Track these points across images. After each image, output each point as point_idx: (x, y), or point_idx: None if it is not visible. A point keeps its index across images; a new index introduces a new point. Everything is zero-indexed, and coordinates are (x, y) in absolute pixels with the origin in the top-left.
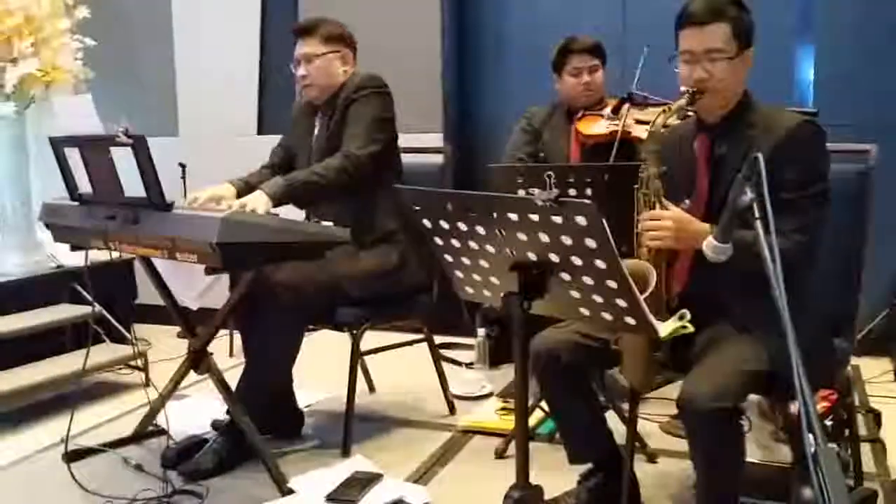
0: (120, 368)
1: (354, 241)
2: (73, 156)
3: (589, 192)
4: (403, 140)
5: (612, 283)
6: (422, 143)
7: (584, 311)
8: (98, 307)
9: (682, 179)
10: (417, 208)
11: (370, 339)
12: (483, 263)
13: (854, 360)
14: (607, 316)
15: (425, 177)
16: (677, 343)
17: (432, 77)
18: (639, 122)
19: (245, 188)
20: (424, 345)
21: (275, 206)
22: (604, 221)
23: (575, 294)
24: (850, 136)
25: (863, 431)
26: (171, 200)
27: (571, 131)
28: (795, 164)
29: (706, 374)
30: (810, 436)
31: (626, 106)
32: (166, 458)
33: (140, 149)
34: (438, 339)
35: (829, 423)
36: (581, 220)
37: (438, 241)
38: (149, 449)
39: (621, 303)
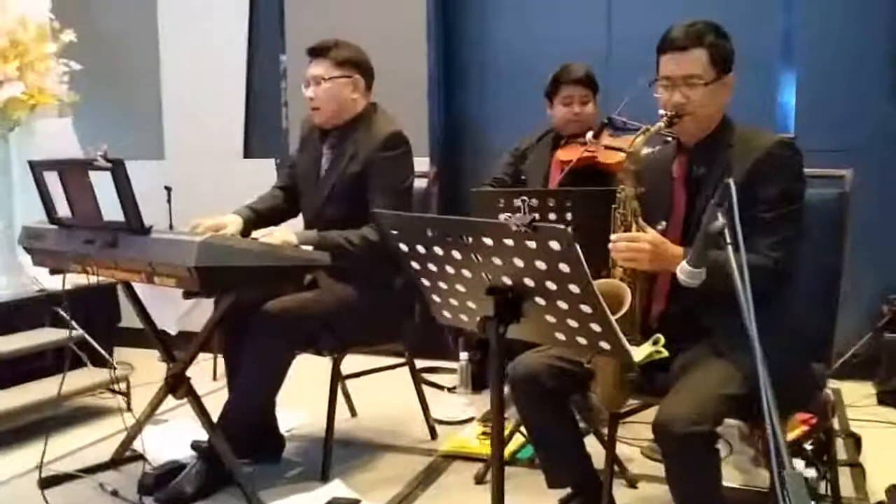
0: (101, 392)
1: (343, 272)
2: (53, 179)
3: (569, 215)
4: None
5: (586, 308)
6: None
7: (560, 336)
8: (79, 330)
9: (659, 201)
10: (394, 232)
11: (352, 362)
12: (459, 288)
13: (836, 384)
14: (582, 340)
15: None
16: (655, 366)
17: (418, 100)
18: (608, 147)
19: (253, 217)
20: (407, 369)
21: None
22: (577, 246)
23: (550, 319)
24: (829, 161)
25: (843, 456)
26: (149, 224)
27: (553, 157)
28: (772, 182)
29: (683, 397)
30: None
31: (606, 132)
32: (144, 484)
33: (118, 173)
34: (422, 364)
35: (808, 446)
36: (555, 244)
37: (415, 265)
38: (126, 475)
39: (596, 327)
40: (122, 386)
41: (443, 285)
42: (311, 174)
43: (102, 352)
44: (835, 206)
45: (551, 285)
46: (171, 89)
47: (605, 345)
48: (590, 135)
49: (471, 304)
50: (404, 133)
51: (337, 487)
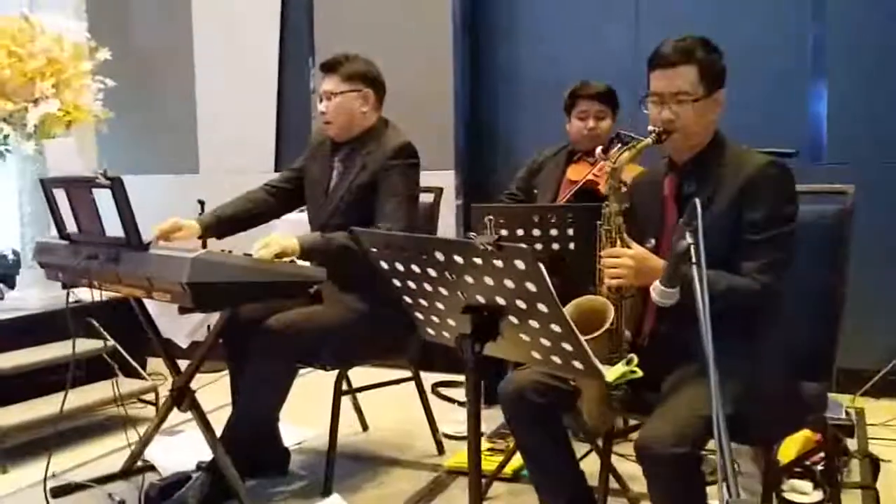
0: (132, 402)
1: (347, 288)
2: (61, 196)
3: (570, 231)
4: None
5: (555, 328)
6: (433, 181)
7: (536, 355)
8: (111, 341)
9: (650, 219)
10: (374, 250)
11: (362, 375)
12: (439, 305)
13: (862, 404)
14: (556, 359)
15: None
16: (645, 385)
17: (444, 114)
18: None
19: (214, 223)
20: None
21: (301, 256)
22: (541, 266)
23: (525, 337)
24: (857, 173)
25: (856, 478)
26: (147, 240)
27: (564, 175)
28: (760, 204)
29: (665, 418)
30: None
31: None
32: (149, 495)
33: (117, 190)
34: (435, 377)
35: (819, 468)
36: (520, 263)
37: (396, 282)
38: (136, 485)
39: (567, 346)
40: (153, 396)
41: (424, 303)
42: (320, 186)
43: (133, 362)
44: (835, 221)
45: (521, 304)
46: (205, 105)
47: (577, 364)
48: (599, 149)
49: (451, 322)
50: (413, 146)
51: (335, 501)
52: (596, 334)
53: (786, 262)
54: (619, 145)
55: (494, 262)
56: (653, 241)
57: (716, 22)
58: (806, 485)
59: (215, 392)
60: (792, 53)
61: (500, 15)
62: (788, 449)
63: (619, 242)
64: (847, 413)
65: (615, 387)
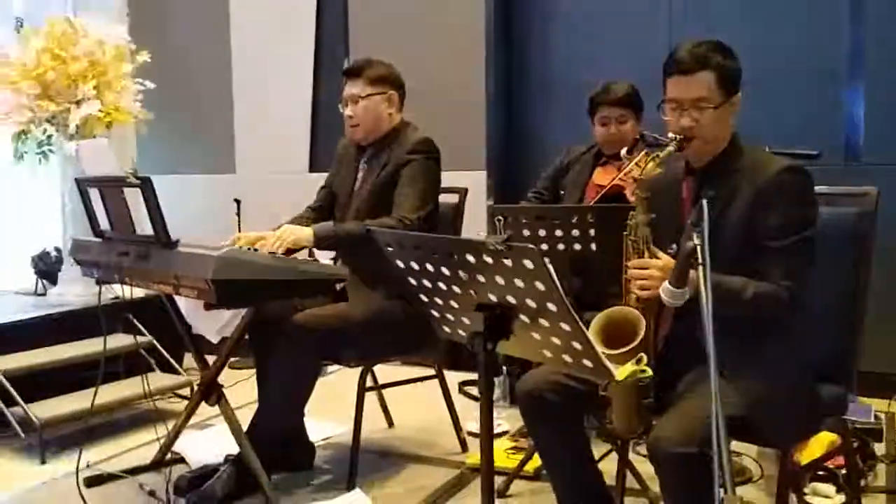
0: (169, 397)
1: (375, 286)
2: (95, 195)
3: (592, 232)
4: (447, 178)
5: (565, 326)
6: (463, 181)
7: (547, 353)
8: (148, 336)
9: (669, 224)
10: (390, 249)
11: (388, 372)
12: (453, 304)
13: None
14: (567, 358)
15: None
16: (661, 388)
17: (477, 115)
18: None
19: None
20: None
21: (316, 245)
22: (548, 266)
23: (536, 336)
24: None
25: (882, 482)
26: (175, 238)
27: (591, 178)
28: (779, 209)
29: (675, 418)
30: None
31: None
32: (178, 486)
33: (147, 189)
34: (462, 376)
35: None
36: (528, 263)
37: (412, 281)
38: (166, 476)
39: (577, 345)
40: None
41: (438, 301)
42: (346, 188)
43: (169, 358)
44: (856, 224)
45: (531, 303)
46: (241, 105)
47: (587, 362)
48: (623, 151)
49: (465, 320)
50: (433, 142)
51: (356, 496)
52: (629, 347)
53: (809, 266)
54: (644, 147)
55: (504, 261)
56: (674, 246)
57: (752, 23)
58: (829, 488)
59: (249, 388)
60: (829, 54)
61: (534, 15)
62: (813, 451)
63: (646, 254)
64: (876, 417)
65: (645, 396)
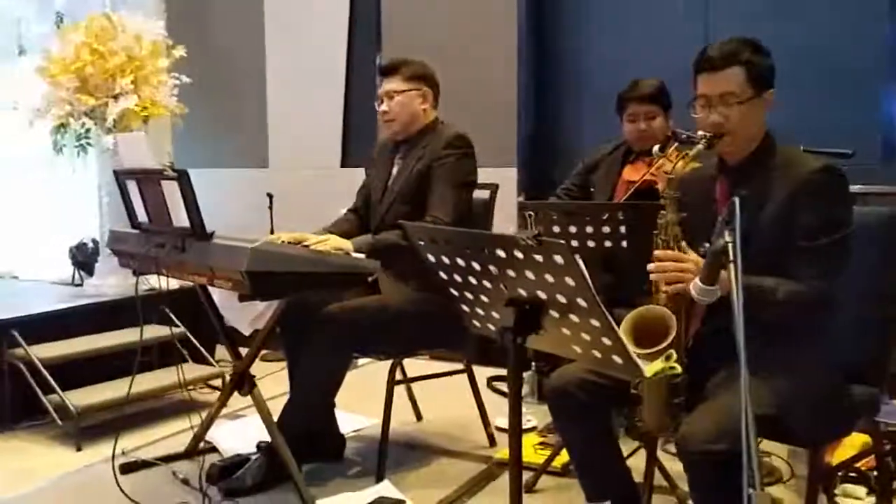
0: (201, 387)
1: (407, 278)
2: (133, 187)
3: (623, 229)
4: (479, 175)
5: (595, 322)
6: (494, 177)
7: (577, 349)
8: (181, 328)
9: (702, 223)
10: (421, 243)
11: (417, 366)
12: (483, 298)
13: None
14: (597, 354)
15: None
16: (692, 386)
17: (509, 112)
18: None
19: None
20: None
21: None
22: (579, 261)
23: (566, 331)
24: None
25: None
26: (210, 230)
27: (621, 174)
28: (813, 209)
29: (705, 415)
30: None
31: (673, 147)
32: (210, 474)
33: (184, 182)
34: (491, 371)
35: (874, 474)
36: (558, 258)
37: (443, 275)
38: (199, 465)
39: (606, 341)
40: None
41: (469, 295)
42: (381, 182)
43: (201, 348)
44: (890, 223)
45: (561, 298)
46: (275, 101)
47: (617, 359)
48: (656, 148)
49: (495, 315)
50: (468, 138)
51: (386, 488)
52: (661, 346)
53: (842, 267)
54: (676, 144)
55: (534, 256)
56: (706, 244)
57: (788, 20)
58: (859, 489)
59: (280, 380)
60: (865, 53)
61: (567, 11)
62: (844, 452)
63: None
64: None
65: (676, 395)
